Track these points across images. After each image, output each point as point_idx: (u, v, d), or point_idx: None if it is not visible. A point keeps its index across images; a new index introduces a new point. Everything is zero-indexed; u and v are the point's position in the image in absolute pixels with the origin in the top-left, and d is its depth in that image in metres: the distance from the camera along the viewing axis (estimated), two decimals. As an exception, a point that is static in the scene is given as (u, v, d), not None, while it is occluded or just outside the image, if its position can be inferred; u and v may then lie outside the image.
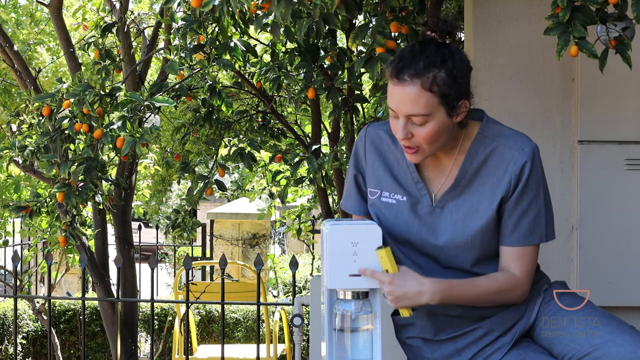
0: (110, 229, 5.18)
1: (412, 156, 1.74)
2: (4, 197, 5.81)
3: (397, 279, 1.68)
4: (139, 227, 7.28)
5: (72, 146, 3.48)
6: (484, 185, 1.75)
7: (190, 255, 8.50)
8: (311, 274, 7.32)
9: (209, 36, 3.12)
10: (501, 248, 1.79)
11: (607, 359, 1.63)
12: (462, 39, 3.03)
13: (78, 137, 3.44)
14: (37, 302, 5.58)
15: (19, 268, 4.98)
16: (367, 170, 1.87)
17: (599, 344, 1.66)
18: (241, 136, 4.23)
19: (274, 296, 7.78)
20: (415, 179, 1.80)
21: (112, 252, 5.21)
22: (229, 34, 3.13)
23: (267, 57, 3.87)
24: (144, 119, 3.16)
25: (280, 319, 5.37)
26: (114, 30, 4.30)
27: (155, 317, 6.88)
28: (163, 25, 4.33)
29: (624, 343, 1.64)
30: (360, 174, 1.89)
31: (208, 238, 8.54)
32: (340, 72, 3.08)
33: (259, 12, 2.79)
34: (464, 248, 1.76)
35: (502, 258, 1.79)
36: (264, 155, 5.08)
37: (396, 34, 2.74)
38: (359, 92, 3.24)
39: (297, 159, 3.30)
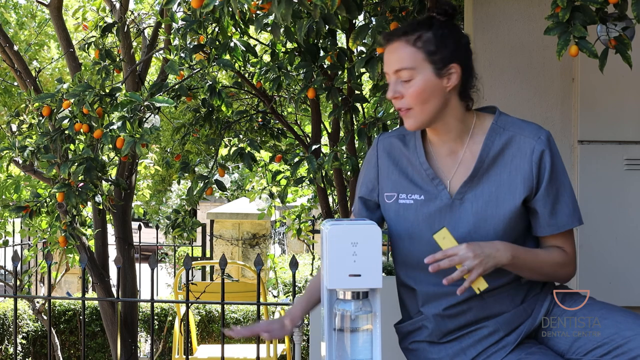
0: (110, 229, 5.18)
1: (406, 121, 1.77)
2: (4, 197, 5.81)
3: (471, 245, 1.67)
4: (139, 227, 7.28)
5: (72, 146, 3.48)
6: (501, 174, 1.77)
7: (190, 255, 8.50)
8: (311, 274, 7.33)
9: (209, 36, 3.12)
10: (543, 239, 1.82)
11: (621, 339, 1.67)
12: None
13: (78, 137, 3.44)
14: (37, 302, 5.58)
15: (19, 268, 4.98)
16: (380, 178, 1.88)
17: (612, 334, 1.69)
18: (241, 136, 4.23)
19: (274, 296, 7.77)
20: (431, 176, 1.81)
21: (112, 252, 5.20)
22: (229, 34, 3.13)
23: (267, 57, 3.87)
24: (144, 119, 3.15)
25: (280, 319, 5.36)
26: (114, 30, 4.30)
27: (155, 317, 6.89)
28: (163, 25, 4.33)
29: (634, 326, 1.68)
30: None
31: (208, 238, 8.54)
32: (340, 72, 3.08)
33: (259, 12, 2.79)
34: (486, 238, 1.74)
35: (544, 245, 1.82)
36: (264, 155, 5.09)
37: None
38: (359, 92, 3.24)
39: (297, 159, 3.29)
